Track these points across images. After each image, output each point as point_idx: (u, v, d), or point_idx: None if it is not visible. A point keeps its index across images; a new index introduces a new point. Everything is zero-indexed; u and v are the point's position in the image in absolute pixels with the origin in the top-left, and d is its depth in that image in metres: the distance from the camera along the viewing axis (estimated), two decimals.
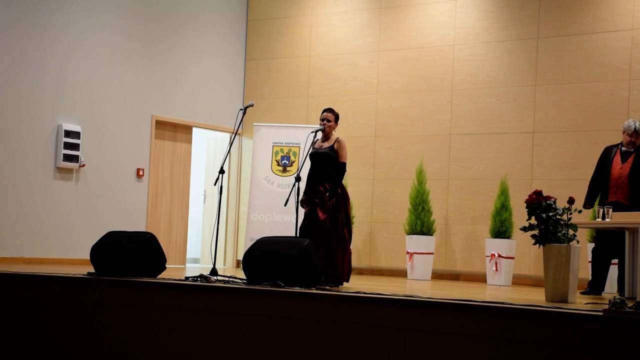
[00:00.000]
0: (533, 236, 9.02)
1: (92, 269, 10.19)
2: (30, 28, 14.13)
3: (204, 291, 9.14)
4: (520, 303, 7.88)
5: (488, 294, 10.30)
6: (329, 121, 10.88)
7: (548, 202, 8.97)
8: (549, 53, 14.00)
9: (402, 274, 14.32)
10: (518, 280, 13.34)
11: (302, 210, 10.82)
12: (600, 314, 6.95)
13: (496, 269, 13.34)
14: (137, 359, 8.56)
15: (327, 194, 10.55)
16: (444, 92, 14.86)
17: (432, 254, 14.15)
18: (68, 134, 14.37)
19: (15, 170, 13.72)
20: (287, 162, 14.92)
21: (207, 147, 16.92)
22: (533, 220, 8.98)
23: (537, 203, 8.99)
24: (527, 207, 9.06)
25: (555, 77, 13.90)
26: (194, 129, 16.47)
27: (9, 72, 13.83)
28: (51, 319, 9.94)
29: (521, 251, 13.21)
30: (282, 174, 14.80)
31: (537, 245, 9.01)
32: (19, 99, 13.93)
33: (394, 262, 14.73)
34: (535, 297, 9.13)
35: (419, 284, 12.66)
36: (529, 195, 9.11)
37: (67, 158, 14.33)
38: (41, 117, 14.22)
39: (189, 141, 16.48)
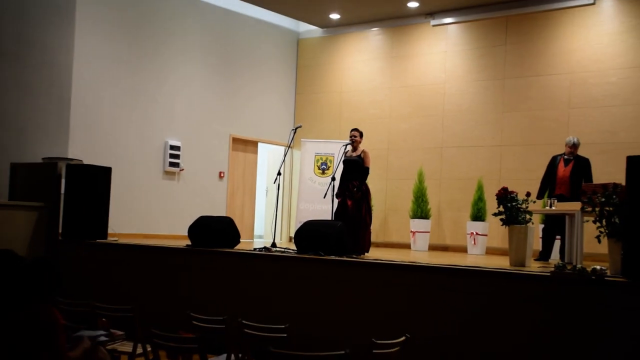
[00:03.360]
0: (501, 219, 9.31)
1: (188, 242, 10.42)
2: (147, 73, 14.39)
3: (266, 258, 9.43)
4: (492, 267, 8.15)
5: (469, 260, 10.40)
6: (356, 137, 11.13)
7: (511, 195, 9.29)
8: (512, 89, 14.18)
9: (407, 246, 14.47)
10: (490, 251, 13.53)
11: (336, 201, 11.06)
12: (548, 274, 7.23)
13: (474, 243, 13.61)
14: (219, 302, 8.69)
15: (355, 189, 10.83)
16: (437, 117, 15.05)
17: (429, 232, 14.38)
18: (172, 147, 14.67)
19: (136, 173, 14.01)
20: (325, 167, 15.11)
21: (268, 157, 16.94)
22: (501, 208, 9.30)
23: (504, 196, 9.32)
24: (497, 199, 9.38)
25: (516, 106, 14.10)
26: (259, 144, 16.62)
27: (133, 104, 14.12)
28: (161, 275, 10.28)
29: (492, 230, 13.37)
30: (321, 175, 14.97)
31: (504, 225, 9.31)
32: (139, 123, 14.24)
33: (401, 238, 14.89)
34: (502, 263, 9.28)
35: (419, 254, 12.93)
36: (498, 191, 9.42)
37: (171, 164, 14.63)
38: (154, 136, 14.49)
39: (255, 152, 16.64)
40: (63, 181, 11.68)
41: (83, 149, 13.16)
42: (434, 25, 15.28)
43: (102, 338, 5.15)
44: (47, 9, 13.33)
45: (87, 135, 13.42)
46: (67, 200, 11.59)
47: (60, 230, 11.69)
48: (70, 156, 12.72)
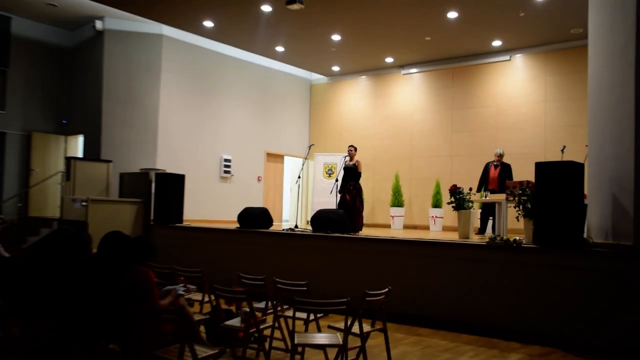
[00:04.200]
0: (452, 207, 9.44)
1: (237, 225, 10.47)
2: (209, 109, 14.53)
3: (291, 235, 9.54)
4: (447, 239, 8.23)
5: (431, 235, 10.47)
6: (352, 151, 11.20)
7: (459, 190, 9.43)
8: (458, 117, 14.26)
9: (388, 226, 14.51)
10: (445, 229, 13.54)
11: (338, 196, 11.13)
12: (485, 243, 7.33)
13: (434, 223, 13.68)
14: (259, 266, 8.70)
15: (352, 188, 10.91)
16: (407, 136, 15.12)
17: (403, 216, 14.39)
18: (225, 160, 14.78)
19: (201, 178, 14.11)
20: (331, 172, 15.14)
21: (290, 166, 16.97)
22: (452, 199, 9.40)
23: (454, 190, 9.46)
24: (449, 193, 9.50)
25: (461, 128, 14.18)
26: (284, 157, 16.67)
27: (199, 130, 14.21)
28: (220, 247, 10.37)
29: (446, 214, 13.39)
30: (328, 178, 14.98)
31: (454, 210, 9.43)
32: (203, 144, 14.34)
33: (384, 221, 14.94)
34: (453, 237, 9.30)
35: (397, 232, 12.94)
36: (450, 187, 9.58)
37: (225, 172, 14.75)
38: (213, 152, 14.58)
39: (282, 162, 16.67)
40: (153, 184, 11.80)
41: (166, 162, 13.30)
42: (404, 74, 15.34)
43: (182, 291, 5.21)
44: (143, 71, 13.53)
45: (168, 153, 13.55)
46: (156, 197, 11.72)
47: (152, 218, 11.81)
48: (157, 167, 12.85)
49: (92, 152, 13.42)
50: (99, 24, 13.36)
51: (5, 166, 13.50)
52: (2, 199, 13.28)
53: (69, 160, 12.53)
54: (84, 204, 11.31)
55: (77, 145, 14.36)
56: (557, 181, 6.83)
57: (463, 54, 14.03)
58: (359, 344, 4.98)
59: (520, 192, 7.90)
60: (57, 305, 4.23)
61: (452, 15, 11.34)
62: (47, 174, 13.82)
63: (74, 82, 14.40)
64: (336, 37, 13.03)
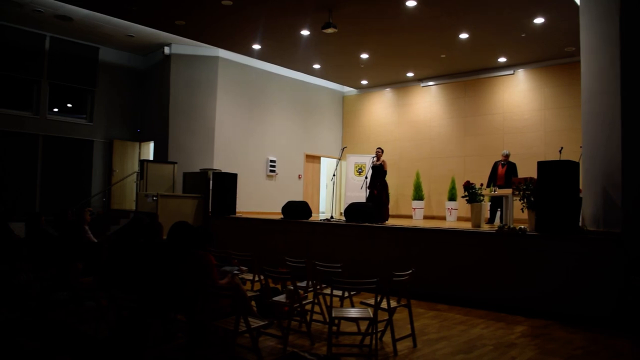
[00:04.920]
0: (466, 200, 9.31)
1: (282, 216, 10.49)
2: (257, 118, 14.57)
3: (328, 225, 9.52)
4: (461, 228, 8.15)
5: (448, 224, 10.43)
6: (379, 152, 11.16)
7: (472, 185, 9.29)
8: (470, 123, 14.06)
9: (410, 217, 14.36)
10: (459, 219, 13.41)
11: (368, 191, 11.11)
12: (494, 231, 7.23)
13: (450, 214, 13.53)
14: (301, 250, 8.78)
15: (379, 184, 10.87)
16: (427, 139, 14.95)
17: (423, 208, 14.31)
18: (271, 161, 14.79)
19: (251, 177, 14.15)
20: (361, 171, 15.08)
21: (326, 165, 16.97)
22: (466, 193, 9.27)
23: (467, 186, 9.30)
24: (463, 188, 9.35)
25: (473, 132, 13.97)
26: (321, 158, 16.65)
27: (249, 136, 14.26)
28: (267, 234, 10.40)
29: (460, 206, 13.28)
30: (358, 176, 14.94)
31: (468, 203, 9.29)
32: (253, 147, 14.37)
33: (406, 212, 14.79)
34: (466, 226, 9.25)
35: (417, 221, 12.85)
36: (464, 183, 9.41)
37: (270, 171, 14.76)
38: (261, 154, 14.63)
39: (319, 163, 16.64)
40: (211, 182, 11.91)
41: (221, 163, 13.41)
42: (422, 86, 15.18)
43: (236, 271, 5.27)
44: (202, 87, 13.64)
45: (223, 155, 13.65)
46: (213, 193, 11.83)
47: (210, 210, 11.92)
48: (214, 167, 12.98)
49: (161, 155, 13.62)
50: (167, 50, 13.57)
51: (93, 168, 13.84)
52: (91, 195, 13.60)
53: (143, 162, 12.76)
54: (154, 198, 11.50)
55: (149, 150, 14.60)
56: (556, 177, 6.79)
57: (473, 68, 13.83)
58: (386, 317, 4.99)
59: (524, 187, 7.77)
60: (137, 282, 4.32)
61: (464, 36, 11.22)
62: (125, 174, 14.10)
63: (146, 97, 14.64)
64: (364, 56, 12.99)
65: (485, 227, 8.87)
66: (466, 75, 14.22)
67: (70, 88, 13.64)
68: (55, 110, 13.47)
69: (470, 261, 7.40)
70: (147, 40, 13.44)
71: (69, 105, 13.92)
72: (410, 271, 5.16)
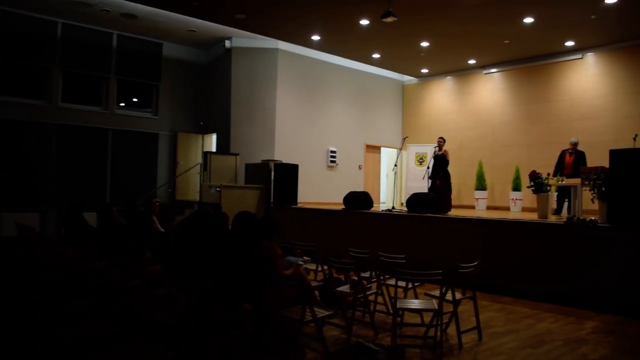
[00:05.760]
0: (532, 190, 9.10)
1: (343, 206, 10.55)
2: (317, 109, 14.62)
3: (390, 215, 9.50)
4: (527, 219, 7.96)
5: (512, 215, 10.22)
6: (441, 142, 11.03)
7: (538, 174, 9.05)
8: (535, 110, 13.64)
9: (472, 207, 14.09)
10: (524, 209, 13.06)
11: (429, 181, 10.99)
12: (562, 223, 7.03)
13: (514, 205, 13.21)
14: (364, 241, 8.66)
15: (441, 174, 10.73)
16: (489, 127, 14.62)
17: (486, 198, 14.04)
18: (331, 152, 14.84)
19: (312, 167, 14.21)
20: (422, 160, 14.92)
21: (387, 155, 16.79)
22: (531, 183, 9.04)
23: (534, 175, 9.08)
24: (529, 177, 9.14)
25: (538, 120, 13.55)
26: (381, 148, 16.53)
27: (309, 127, 14.42)
28: (329, 225, 10.46)
29: (525, 196, 12.90)
30: (419, 166, 14.79)
31: (534, 193, 9.06)
32: (313, 138, 14.44)
33: (468, 202, 14.51)
34: (532, 217, 9.03)
35: (480, 212, 12.63)
36: (530, 172, 9.23)
37: (331, 162, 14.80)
38: (321, 145, 14.69)
39: (379, 153, 16.50)
40: (272, 173, 12.08)
41: (282, 154, 13.55)
42: (485, 73, 14.81)
43: (300, 262, 5.34)
44: (263, 79, 13.81)
45: (284, 146, 13.80)
46: (275, 183, 12.00)
47: (271, 200, 12.11)
48: (275, 158, 13.11)
49: (224, 147, 13.90)
50: (227, 43, 13.81)
51: (159, 160, 14.32)
52: (157, 186, 14.09)
53: (206, 154, 13.09)
54: (218, 189, 11.78)
55: (212, 142, 14.91)
56: (630, 166, 6.51)
57: (538, 53, 13.33)
58: (451, 309, 4.94)
59: (595, 176, 7.49)
60: (204, 271, 4.46)
61: (529, 20, 10.83)
62: (189, 166, 14.48)
63: (208, 91, 14.96)
64: (425, 44, 12.79)
65: (553, 218, 8.63)
66: (531, 61, 13.73)
67: (136, 83, 14.14)
68: (122, 104, 14.01)
69: (537, 253, 7.21)
70: (209, 35, 13.71)
71: (135, 99, 14.45)
72: (476, 263, 5.08)
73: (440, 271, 4.50)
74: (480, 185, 14.08)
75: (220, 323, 3.76)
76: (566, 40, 12.29)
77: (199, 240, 5.14)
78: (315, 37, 12.60)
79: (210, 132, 14.84)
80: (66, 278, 4.75)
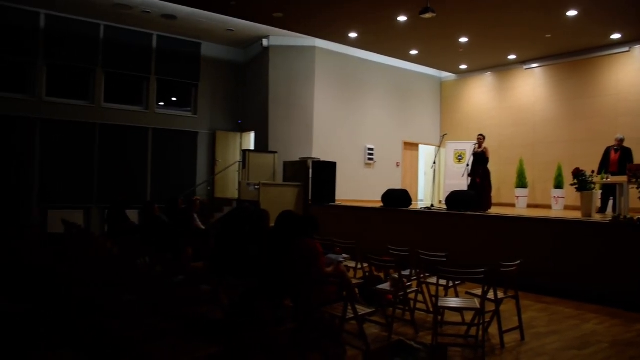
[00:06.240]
0: (575, 188, 8.90)
1: (381, 204, 10.56)
2: (354, 107, 14.63)
3: (429, 213, 9.46)
4: (570, 217, 7.82)
5: (554, 214, 10.04)
6: (480, 139, 10.92)
7: (582, 172, 8.85)
8: (579, 105, 13.32)
9: (512, 205, 13.86)
10: (567, 208, 12.75)
11: (469, 179, 10.89)
12: (608, 221, 6.88)
13: (556, 203, 12.93)
14: (404, 238, 8.66)
15: (481, 171, 10.62)
16: (530, 124, 14.35)
17: (526, 196, 13.79)
18: (369, 149, 14.83)
19: (349, 165, 14.19)
20: (460, 158, 14.80)
21: (424, 152, 16.67)
22: (575, 181, 8.84)
23: (577, 173, 8.88)
24: (572, 175, 8.96)
25: (582, 115, 13.24)
26: (419, 145, 16.44)
27: (347, 125, 14.41)
28: (368, 223, 10.46)
29: (567, 194, 12.60)
30: (458, 163, 14.69)
31: (578, 191, 8.87)
32: (351, 136, 14.47)
33: (508, 200, 14.27)
34: (576, 215, 8.85)
35: (521, 210, 12.43)
36: (573, 170, 9.06)
37: (369, 159, 14.79)
38: (358, 143, 14.69)
39: (417, 150, 16.41)
40: (310, 170, 12.17)
41: (320, 152, 13.61)
42: (525, 69, 14.54)
43: (340, 259, 5.38)
44: (300, 77, 13.90)
45: (322, 144, 13.86)
46: (313, 181, 12.09)
47: (310, 198, 12.19)
48: (313, 156, 13.19)
49: (262, 145, 14.05)
50: (265, 42, 13.95)
51: (198, 158, 14.58)
52: (196, 184, 14.34)
53: (244, 152, 13.27)
54: (256, 187, 11.93)
55: (250, 140, 15.07)
56: None
57: (582, 47, 12.99)
58: (492, 308, 4.90)
59: None
60: (246, 268, 4.54)
61: (572, 13, 10.59)
62: (227, 164, 14.70)
63: (246, 89, 15.13)
64: (463, 39, 12.64)
65: (597, 217, 8.45)
66: (574, 55, 13.41)
67: (175, 83, 14.43)
68: (161, 104, 14.31)
69: (581, 253, 7.07)
70: (246, 34, 13.87)
71: (174, 99, 14.73)
72: (518, 262, 5.02)
73: (483, 270, 4.47)
74: (521, 183, 13.84)
75: (263, 320, 3.83)
76: (612, 33, 11.95)
77: (241, 238, 5.23)
78: (353, 35, 12.60)
79: (249, 130, 15.00)
80: (114, 273, 4.90)
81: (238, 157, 14.57)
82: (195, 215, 8.72)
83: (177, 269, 5.40)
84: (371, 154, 14.86)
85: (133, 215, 12.31)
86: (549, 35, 12.12)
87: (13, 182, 11.94)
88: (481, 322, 4.65)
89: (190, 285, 4.94)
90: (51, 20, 12.33)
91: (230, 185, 14.75)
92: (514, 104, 14.85)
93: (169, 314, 3.86)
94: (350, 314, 4.39)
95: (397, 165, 15.67)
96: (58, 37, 12.43)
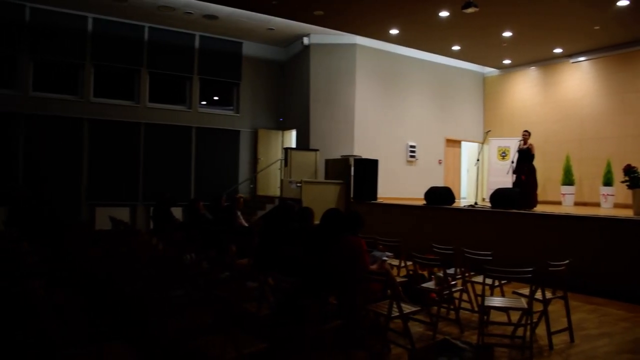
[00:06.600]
0: (627, 185, 8.65)
1: (424, 202, 10.46)
2: (395, 104, 14.57)
3: (473, 211, 9.35)
4: (621, 216, 7.60)
5: (603, 212, 9.77)
6: (526, 135, 10.72)
7: (633, 168, 8.60)
8: (629, 100, 12.90)
9: (559, 203, 13.50)
10: (616, 206, 12.35)
11: (514, 176, 10.70)
12: None
13: (605, 201, 12.53)
14: (447, 236, 8.55)
15: (526, 169, 10.42)
16: (577, 120, 13.97)
17: (573, 194, 13.43)
18: (411, 146, 14.74)
19: (391, 162, 14.13)
20: (504, 154, 14.55)
21: (467, 149, 16.49)
22: (626, 178, 8.60)
23: (629, 169, 8.65)
24: (623, 172, 8.73)
25: (632, 110, 12.81)
26: (461, 142, 16.26)
27: (388, 122, 14.34)
28: (410, 220, 10.40)
29: (617, 192, 12.21)
30: (502, 160, 14.44)
31: (629, 189, 8.62)
32: (392, 133, 14.41)
33: (554, 198, 13.92)
34: (627, 213, 8.56)
35: (568, 208, 12.13)
36: (625, 166, 8.84)
37: (410, 157, 14.70)
38: (400, 140, 14.62)
39: (459, 147, 16.22)
40: (352, 168, 12.15)
41: (361, 149, 13.59)
42: (572, 62, 14.16)
43: (385, 257, 5.37)
44: (341, 75, 13.92)
45: (363, 141, 13.84)
46: (354, 178, 12.07)
47: (351, 196, 12.19)
48: (355, 154, 13.17)
49: (303, 142, 14.15)
50: (306, 40, 14.03)
51: (240, 156, 14.78)
52: (238, 182, 14.54)
53: (286, 150, 13.37)
54: (298, 185, 12.01)
55: (291, 138, 15.19)
56: None
57: (632, 39, 12.56)
58: (540, 308, 4.82)
59: None
60: (292, 265, 4.58)
61: (623, 3, 10.24)
62: (269, 162, 14.86)
63: (287, 88, 15.26)
64: (507, 34, 12.41)
65: None
66: (624, 47, 12.96)
67: (217, 82, 14.65)
68: (204, 103, 14.55)
69: (633, 252, 6.85)
70: (287, 32, 13.97)
71: (216, 98, 14.96)
72: (567, 261, 4.92)
73: (531, 269, 4.39)
74: (568, 180, 13.49)
75: (309, 316, 3.87)
76: None
77: (286, 235, 5.28)
78: (394, 31, 12.53)
79: (290, 128, 15.11)
80: (161, 269, 5.03)
81: (280, 155, 14.70)
82: (239, 213, 8.85)
83: (222, 265, 5.49)
84: (413, 151, 14.76)
85: (177, 212, 12.59)
86: (598, 27, 11.77)
87: (63, 181, 12.40)
88: (529, 322, 4.58)
89: (236, 282, 5.02)
90: (96, 24, 12.73)
91: (271, 183, 14.89)
92: (560, 98, 14.49)
93: (216, 311, 3.93)
94: (395, 312, 4.38)
95: (439, 163, 15.51)
96: (104, 39, 12.83)
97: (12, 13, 11.86)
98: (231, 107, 14.94)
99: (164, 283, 4.42)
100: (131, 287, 4.85)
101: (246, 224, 8.96)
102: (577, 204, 13.42)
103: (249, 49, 14.90)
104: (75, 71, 12.78)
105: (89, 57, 12.72)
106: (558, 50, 13.86)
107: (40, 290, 3.47)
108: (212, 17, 12.75)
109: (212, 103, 14.83)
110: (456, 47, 13.86)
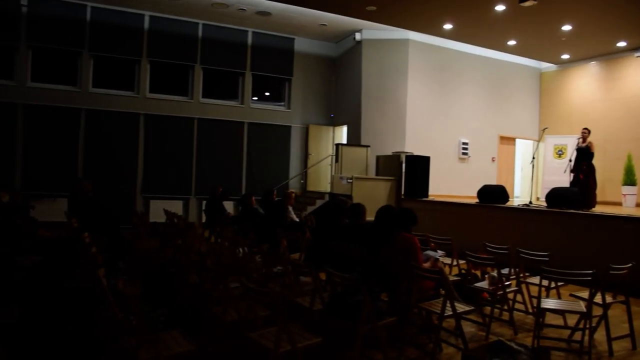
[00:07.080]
0: None
1: (477, 200, 10.34)
2: (448, 101, 14.43)
3: (528, 211, 9.16)
4: None
5: None
6: (585, 133, 10.44)
7: None
8: None
9: (619, 204, 13.01)
10: None
11: (572, 175, 10.43)
12: None
13: None
14: (501, 236, 8.35)
15: (585, 168, 10.14)
16: None
17: (635, 195, 12.92)
18: (463, 143, 14.56)
19: (443, 159, 14.03)
20: (561, 153, 14.17)
21: (522, 147, 16.14)
22: None
23: None
24: None
25: None
26: (516, 139, 15.92)
27: (441, 119, 14.23)
28: (463, 219, 10.28)
29: None
30: (558, 158, 14.06)
31: None
32: (444, 130, 14.28)
33: (614, 198, 13.41)
34: None
35: (630, 209, 11.68)
36: None
37: (463, 154, 14.52)
38: (452, 137, 14.47)
39: (513, 144, 15.87)
40: (403, 165, 12.12)
41: (413, 146, 13.50)
42: (637, 56, 13.58)
43: (437, 255, 5.35)
44: (393, 71, 13.87)
45: (415, 138, 13.74)
46: (406, 175, 12.04)
47: (402, 192, 12.15)
48: (406, 150, 13.11)
49: (354, 138, 14.16)
50: (358, 36, 14.02)
51: (291, 151, 14.94)
52: (289, 177, 14.71)
53: (337, 146, 13.42)
54: (349, 180, 12.04)
55: (342, 134, 15.23)
56: None
57: None
58: (599, 313, 4.69)
59: None
60: (346, 260, 4.63)
61: None
62: (320, 157, 14.95)
63: (339, 83, 15.29)
64: (566, 27, 12.03)
65: None
66: None
67: (269, 78, 14.84)
68: (255, 98, 14.76)
69: None
70: (339, 28, 13.99)
71: (267, 93, 15.15)
72: (630, 265, 4.76)
73: (592, 272, 4.28)
74: (629, 180, 12.97)
75: (362, 313, 3.90)
76: None
77: (339, 231, 5.33)
78: (448, 26, 12.36)
79: (341, 124, 15.15)
80: (216, 261, 5.16)
81: (330, 150, 14.76)
82: (290, 208, 8.96)
83: (275, 259, 5.59)
84: (465, 149, 14.55)
85: (228, 206, 12.85)
86: None
87: (120, 173, 12.87)
88: (587, 326, 4.47)
89: (288, 276, 5.10)
90: (153, 21, 13.16)
91: (322, 178, 14.98)
92: (622, 94, 13.94)
93: (271, 304, 4.02)
94: (448, 311, 4.37)
95: (493, 160, 15.22)
96: (159, 36, 13.24)
97: (11, 3, 12.02)
98: (282, 103, 15.10)
99: (220, 275, 4.54)
100: (188, 277, 5.00)
101: (297, 219, 9.07)
102: (639, 205, 12.91)
103: (301, 44, 15.00)
104: (131, 67, 13.26)
105: (145, 55, 13.20)
106: (622, 44, 13.33)
107: (104, 279, 3.63)
108: (265, 13, 12.92)
109: (263, 99, 15.02)
110: (512, 42, 13.55)
